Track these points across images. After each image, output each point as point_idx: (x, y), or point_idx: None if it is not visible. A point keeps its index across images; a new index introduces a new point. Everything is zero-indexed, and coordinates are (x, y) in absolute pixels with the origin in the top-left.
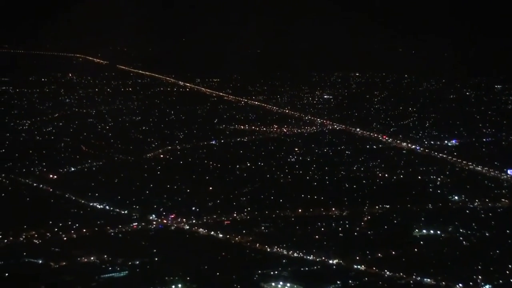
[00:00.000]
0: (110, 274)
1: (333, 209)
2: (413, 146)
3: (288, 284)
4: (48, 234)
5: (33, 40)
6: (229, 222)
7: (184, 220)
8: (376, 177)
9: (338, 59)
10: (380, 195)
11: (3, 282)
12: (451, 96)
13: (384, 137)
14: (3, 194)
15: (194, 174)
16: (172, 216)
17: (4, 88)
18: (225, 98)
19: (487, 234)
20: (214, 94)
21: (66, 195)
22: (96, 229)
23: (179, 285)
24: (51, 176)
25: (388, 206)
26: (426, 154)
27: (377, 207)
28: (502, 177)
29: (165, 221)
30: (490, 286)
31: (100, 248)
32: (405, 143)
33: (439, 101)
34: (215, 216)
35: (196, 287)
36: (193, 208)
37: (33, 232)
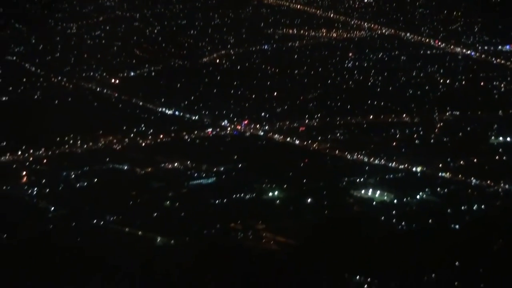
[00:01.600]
0: (199, 181)
1: (404, 115)
2: (468, 52)
3: (378, 192)
4: (126, 139)
5: None
6: (304, 128)
7: (258, 126)
8: (438, 83)
9: None
10: (447, 101)
11: (94, 187)
12: (493, 0)
13: (437, 42)
14: (69, 99)
15: (254, 79)
16: (245, 122)
17: None
18: (265, 1)
19: None
20: None
21: (133, 100)
22: (173, 135)
23: (269, 192)
24: (112, 80)
25: (458, 113)
26: (483, 60)
27: (447, 113)
28: None
29: (238, 127)
30: None
31: (182, 154)
32: (458, 48)
33: (483, 5)
34: (287, 122)
35: (286, 194)
36: (263, 114)
37: (111, 137)
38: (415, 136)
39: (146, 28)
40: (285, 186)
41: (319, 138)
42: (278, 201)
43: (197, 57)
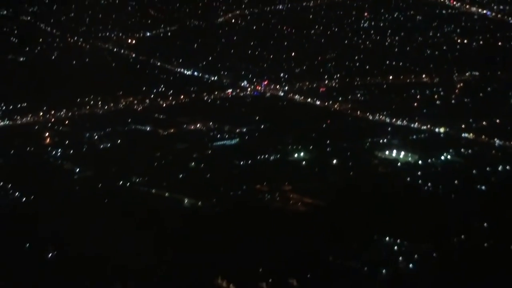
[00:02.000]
0: (222, 142)
1: (423, 76)
2: (484, 11)
3: (402, 153)
4: (147, 100)
5: None
6: (324, 89)
7: (278, 86)
8: (455, 43)
9: None
10: (465, 61)
11: (118, 148)
12: None
13: (452, 1)
14: (87, 59)
15: (271, 39)
16: (265, 82)
17: None
18: None
19: None
20: None
21: (151, 61)
22: (193, 95)
23: (294, 153)
24: (129, 41)
25: (477, 73)
26: (499, 20)
27: (466, 74)
28: None
29: (258, 87)
30: None
31: (203, 115)
32: (474, 8)
33: None
34: (307, 83)
35: (310, 155)
36: (282, 74)
37: (131, 98)
38: (435, 96)
39: None
40: (309, 147)
41: (340, 98)
42: (303, 162)
43: (212, 17)
